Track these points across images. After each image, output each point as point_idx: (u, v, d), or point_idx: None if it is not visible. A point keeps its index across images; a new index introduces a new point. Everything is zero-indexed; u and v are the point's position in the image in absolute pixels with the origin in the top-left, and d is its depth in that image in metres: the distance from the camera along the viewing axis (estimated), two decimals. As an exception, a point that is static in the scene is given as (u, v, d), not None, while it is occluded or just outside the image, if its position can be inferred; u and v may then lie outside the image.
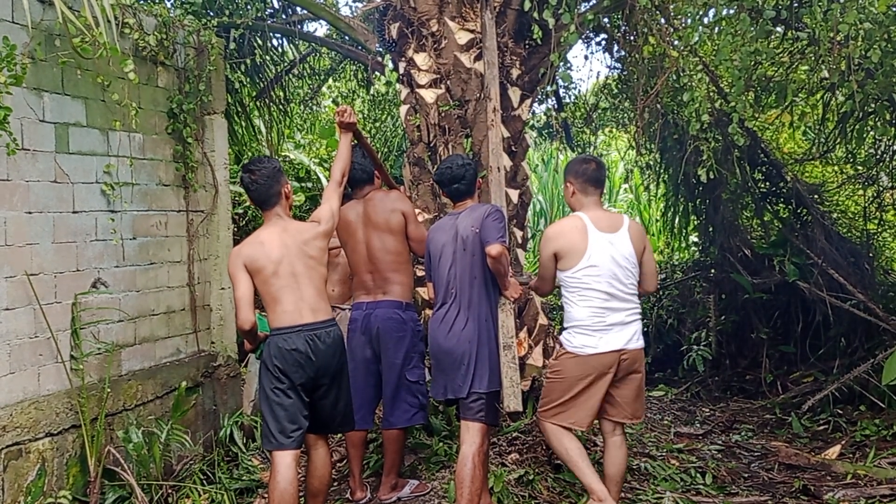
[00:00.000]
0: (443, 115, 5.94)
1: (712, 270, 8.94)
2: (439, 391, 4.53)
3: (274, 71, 8.33)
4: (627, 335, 4.26)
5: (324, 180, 9.71)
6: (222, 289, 6.01)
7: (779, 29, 6.24)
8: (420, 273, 5.49)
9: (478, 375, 4.33)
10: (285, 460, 4.07)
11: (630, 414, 4.40)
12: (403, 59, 6.20)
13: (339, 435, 5.50)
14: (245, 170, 4.30)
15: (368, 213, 4.94)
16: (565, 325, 4.36)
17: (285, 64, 8.50)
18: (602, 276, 4.19)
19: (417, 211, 5.59)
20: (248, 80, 8.21)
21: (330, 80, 10.47)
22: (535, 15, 5.47)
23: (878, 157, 7.97)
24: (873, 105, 6.03)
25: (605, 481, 4.30)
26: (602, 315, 4.20)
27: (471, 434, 4.32)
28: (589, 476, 4.24)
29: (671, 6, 6.07)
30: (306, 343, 4.11)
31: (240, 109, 8.23)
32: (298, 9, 7.70)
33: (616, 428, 4.42)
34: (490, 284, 4.42)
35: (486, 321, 4.38)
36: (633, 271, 4.28)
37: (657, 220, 12.56)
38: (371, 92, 10.21)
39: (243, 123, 8.49)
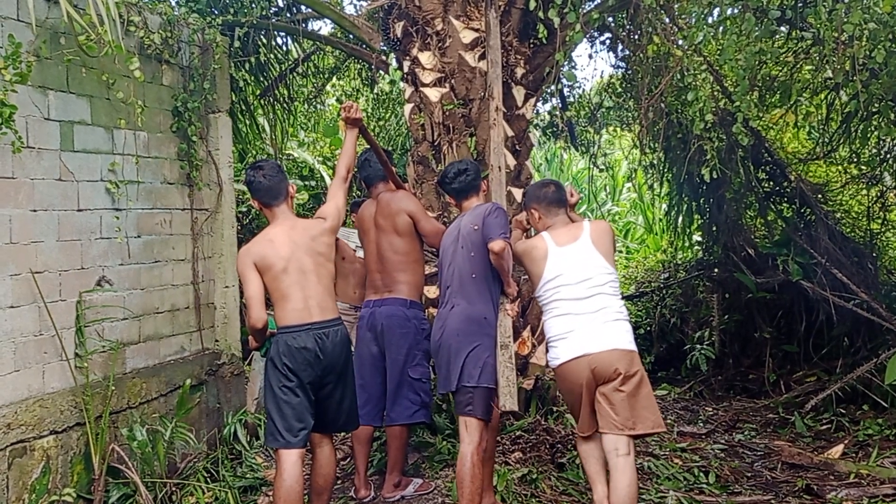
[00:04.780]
0: (447, 113, 5.94)
1: (716, 270, 8.94)
2: (440, 386, 4.55)
3: (278, 69, 8.32)
4: (600, 339, 4.02)
5: (327, 179, 9.71)
6: (226, 287, 6.02)
7: (783, 29, 6.24)
8: (428, 271, 5.51)
9: (466, 370, 4.29)
10: (291, 458, 4.08)
11: (620, 423, 3.96)
12: (408, 57, 6.20)
13: (343, 433, 5.50)
14: (253, 167, 4.31)
15: (377, 215, 5.00)
16: None
17: (289, 62, 8.49)
18: (561, 287, 4.13)
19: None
20: (252, 78, 8.20)
21: (334, 79, 10.46)
22: (540, 14, 5.46)
23: (881, 156, 7.97)
24: (877, 105, 6.02)
25: None
26: (563, 323, 4.11)
27: (469, 431, 4.28)
28: (593, 476, 4.20)
29: (676, 5, 6.07)
30: (315, 341, 4.11)
31: (244, 108, 8.22)
32: (303, 7, 7.70)
33: (618, 446, 3.97)
34: (491, 282, 4.41)
35: (483, 318, 4.36)
36: (602, 275, 4.14)
37: (661, 219, 12.56)
38: (375, 90, 10.22)
39: (247, 122, 8.50)
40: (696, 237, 9.82)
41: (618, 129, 11.17)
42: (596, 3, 6.61)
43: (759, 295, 8.04)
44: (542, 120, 10.18)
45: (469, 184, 4.65)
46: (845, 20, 4.60)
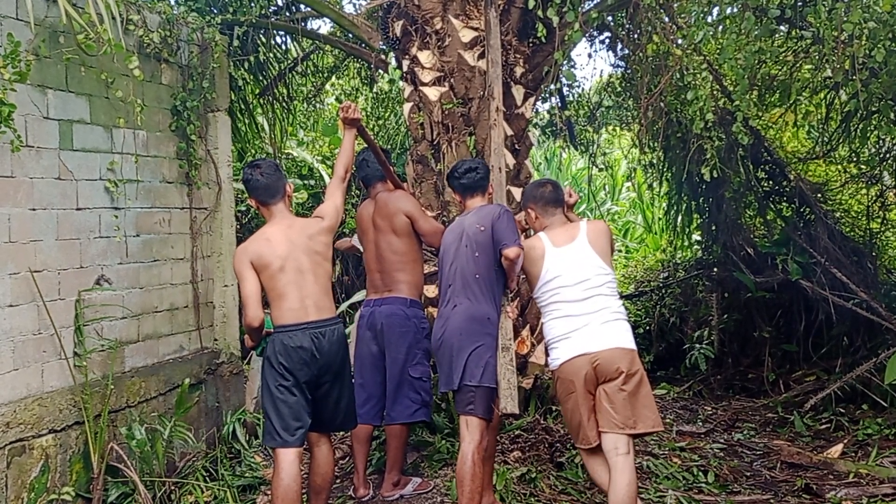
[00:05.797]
0: (446, 112, 5.94)
1: (715, 269, 8.93)
2: (441, 385, 4.53)
3: (277, 68, 8.31)
4: (601, 338, 4.02)
5: (326, 178, 9.70)
6: (225, 286, 6.02)
7: (783, 28, 6.23)
8: (428, 270, 5.51)
9: (468, 369, 4.28)
10: (288, 457, 4.08)
11: (620, 422, 3.96)
12: (407, 56, 6.19)
13: (342, 432, 5.50)
14: (250, 166, 4.32)
15: (375, 215, 5.02)
16: None
17: (289, 61, 8.48)
18: (559, 288, 4.14)
19: (420, 208, 5.59)
20: (251, 77, 8.20)
21: (333, 78, 10.45)
22: (540, 13, 5.47)
23: (881, 156, 7.96)
24: (877, 104, 6.02)
25: None
26: (564, 324, 4.11)
27: (469, 430, 4.28)
28: (605, 485, 4.10)
29: (675, 4, 6.07)
30: (311, 341, 4.11)
31: (243, 107, 8.21)
32: (302, 6, 7.70)
33: (618, 445, 3.97)
34: (494, 283, 4.41)
35: (486, 318, 4.35)
36: (599, 276, 4.14)
37: (660, 219, 12.55)
38: (374, 90, 10.21)
39: (246, 121, 8.48)
40: (696, 236, 9.81)
41: (617, 129, 11.16)
42: (595, 2, 6.61)
43: (758, 294, 8.04)
44: (541, 119, 10.17)
45: (477, 182, 4.66)
46: (845, 19, 4.59)
